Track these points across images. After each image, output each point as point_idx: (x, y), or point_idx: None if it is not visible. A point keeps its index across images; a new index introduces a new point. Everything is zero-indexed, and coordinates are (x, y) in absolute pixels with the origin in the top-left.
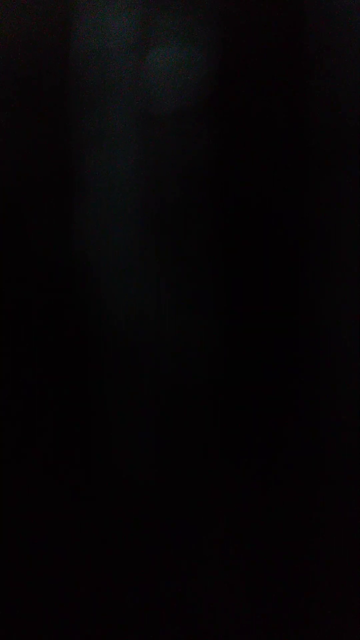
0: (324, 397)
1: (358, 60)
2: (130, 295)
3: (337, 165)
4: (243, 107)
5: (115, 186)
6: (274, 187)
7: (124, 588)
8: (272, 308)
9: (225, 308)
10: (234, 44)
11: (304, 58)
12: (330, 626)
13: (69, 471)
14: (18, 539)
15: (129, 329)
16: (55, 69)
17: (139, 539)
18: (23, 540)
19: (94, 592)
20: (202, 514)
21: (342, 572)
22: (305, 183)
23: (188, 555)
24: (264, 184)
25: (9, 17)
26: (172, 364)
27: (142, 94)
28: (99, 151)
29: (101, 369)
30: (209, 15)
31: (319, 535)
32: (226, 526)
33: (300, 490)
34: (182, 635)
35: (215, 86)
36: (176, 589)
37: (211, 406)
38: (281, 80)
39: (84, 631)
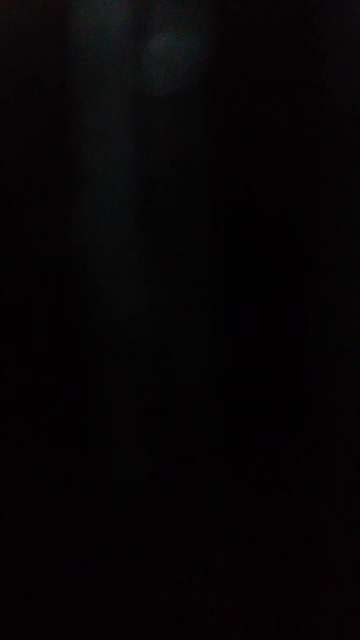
0: (325, 397)
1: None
2: (129, 293)
3: (338, 154)
4: (242, 94)
5: (114, 177)
6: (273, 177)
7: (123, 589)
8: (272, 306)
9: (226, 306)
10: (232, 30)
11: (303, 44)
12: (330, 626)
13: (68, 471)
14: (17, 539)
15: (128, 326)
16: (52, 57)
17: (138, 540)
18: (22, 540)
19: (92, 593)
20: (202, 513)
21: (343, 574)
22: (305, 172)
23: (188, 556)
24: (263, 173)
25: (5, 5)
26: (171, 362)
27: (141, 82)
28: (97, 141)
29: (100, 367)
30: (207, 1)
31: (319, 536)
32: (226, 526)
33: (301, 490)
34: (182, 636)
35: (214, 73)
36: (176, 590)
37: (211, 405)
38: (280, 66)
39: (84, 631)
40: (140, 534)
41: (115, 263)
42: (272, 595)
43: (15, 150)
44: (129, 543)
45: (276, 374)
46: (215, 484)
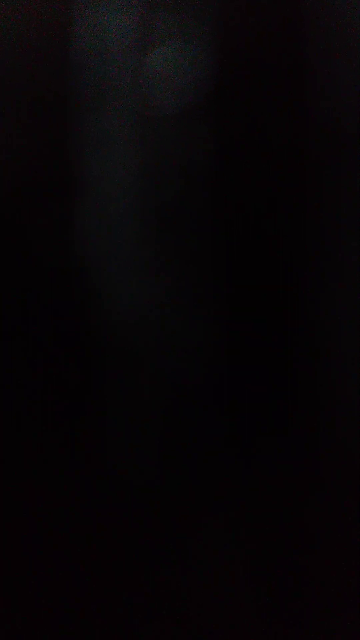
0: (324, 396)
1: (358, 59)
2: (131, 297)
3: (337, 166)
4: (243, 108)
5: (115, 187)
6: (274, 188)
7: (123, 587)
8: (273, 308)
9: (226, 310)
10: (234, 45)
11: (303, 58)
12: (330, 625)
13: (69, 473)
14: (18, 539)
15: (129, 330)
16: (54, 69)
17: (140, 540)
18: (23, 540)
19: (93, 591)
20: (203, 514)
21: (343, 575)
22: (305, 183)
23: (189, 556)
24: (264, 184)
25: (7, 17)
26: (173, 364)
27: (142, 95)
28: (98, 152)
29: (102, 370)
30: (209, 15)
31: (319, 535)
32: (227, 526)
33: (302, 490)
34: (182, 634)
35: (215, 87)
36: (176, 589)
37: (212, 407)
38: (281, 80)
39: (83, 630)
40: (140, 535)
41: (116, 269)
42: (273, 601)
43: (17, 163)
44: (130, 543)
45: (277, 375)
46: (217, 485)
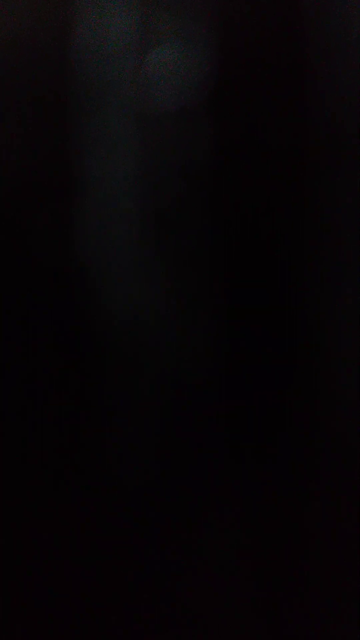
0: (323, 396)
1: (357, 59)
2: (131, 298)
3: (337, 166)
4: (243, 108)
5: (115, 187)
6: (273, 188)
7: (123, 591)
8: (272, 309)
9: (226, 311)
10: (234, 45)
11: (303, 58)
12: (330, 625)
13: (69, 474)
14: (18, 541)
15: (129, 331)
16: (54, 70)
17: (140, 542)
18: (24, 542)
19: (93, 593)
20: (204, 515)
21: (342, 577)
22: (304, 183)
23: (189, 558)
24: (264, 184)
25: (8, 17)
26: (172, 365)
27: (142, 95)
28: (98, 152)
29: (102, 371)
30: (209, 15)
31: (319, 537)
32: (228, 528)
33: (302, 490)
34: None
35: (214, 87)
36: (177, 593)
37: (212, 407)
38: (281, 80)
39: (84, 631)
40: (141, 536)
41: (116, 270)
42: (273, 602)
43: (17, 163)
44: (130, 543)
45: (277, 376)
46: (217, 485)
